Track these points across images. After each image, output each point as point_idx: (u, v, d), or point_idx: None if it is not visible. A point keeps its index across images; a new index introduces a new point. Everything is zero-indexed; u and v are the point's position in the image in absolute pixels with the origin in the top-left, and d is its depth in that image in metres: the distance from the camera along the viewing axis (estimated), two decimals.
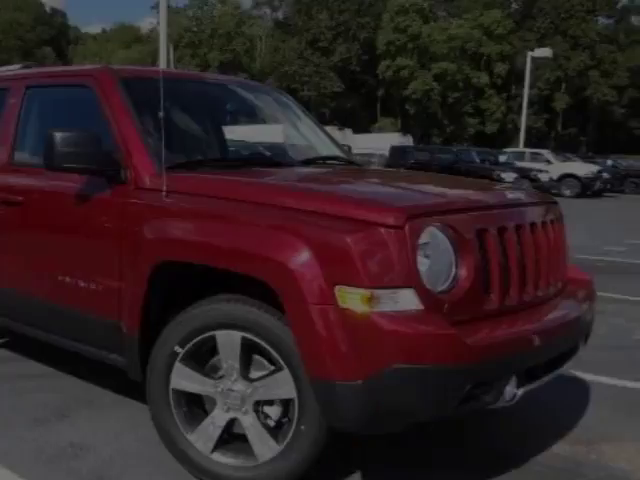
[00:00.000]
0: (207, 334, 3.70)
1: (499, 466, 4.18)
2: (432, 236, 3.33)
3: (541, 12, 76.64)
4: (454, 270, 3.38)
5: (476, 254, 3.43)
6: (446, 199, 3.82)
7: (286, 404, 3.60)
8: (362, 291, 3.14)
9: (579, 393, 5.38)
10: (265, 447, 3.60)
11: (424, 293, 3.21)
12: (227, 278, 3.73)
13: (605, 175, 36.23)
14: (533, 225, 3.94)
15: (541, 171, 34.10)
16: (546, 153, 38.74)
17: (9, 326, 5.35)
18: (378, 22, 76.94)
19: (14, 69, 5.92)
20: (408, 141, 46.99)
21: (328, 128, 10.51)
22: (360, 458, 4.24)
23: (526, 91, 48.09)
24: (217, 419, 3.75)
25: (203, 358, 3.82)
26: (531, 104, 61.07)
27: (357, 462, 4.18)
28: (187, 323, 3.76)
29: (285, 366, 3.46)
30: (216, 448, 3.76)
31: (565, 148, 58.39)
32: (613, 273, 11.19)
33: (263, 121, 6.29)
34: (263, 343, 3.52)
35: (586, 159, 42.67)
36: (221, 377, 3.73)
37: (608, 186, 36.26)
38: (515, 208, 3.98)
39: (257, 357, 3.66)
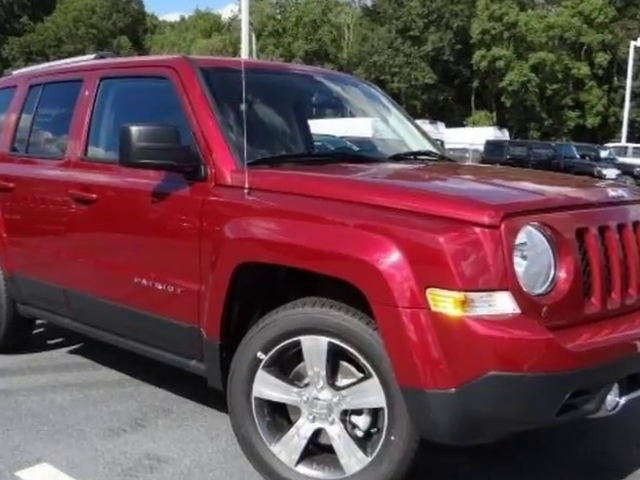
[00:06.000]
0: (292, 339, 3.90)
1: (599, 478, 4.36)
2: (529, 236, 3.49)
3: None
4: (553, 272, 3.52)
5: (576, 255, 3.57)
6: (544, 197, 3.93)
7: (375, 413, 3.79)
8: (455, 294, 3.31)
9: None
10: (353, 459, 3.80)
11: (521, 296, 3.36)
12: (311, 280, 3.96)
13: None
14: (637, 224, 4.05)
15: None
16: None
17: (81, 330, 5.63)
18: (472, 10, 76.71)
19: (88, 59, 6.24)
20: (504, 135, 47.70)
21: (419, 122, 10.70)
22: (447, 465, 4.45)
23: (629, 82, 48.40)
24: (302, 429, 3.96)
25: (287, 365, 4.03)
26: (634, 96, 60.84)
27: (445, 468, 4.40)
28: (270, 328, 3.96)
29: (374, 373, 3.65)
30: (301, 460, 3.97)
31: None
32: None
33: (351, 114, 6.44)
34: (351, 349, 3.71)
35: None
36: (306, 385, 3.95)
37: None
38: (617, 206, 4.09)
39: (344, 364, 3.86)
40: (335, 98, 6.34)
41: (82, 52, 56.21)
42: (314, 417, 3.92)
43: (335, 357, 3.83)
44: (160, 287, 4.68)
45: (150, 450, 4.64)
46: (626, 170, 33.10)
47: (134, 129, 4.35)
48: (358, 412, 3.85)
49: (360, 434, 3.86)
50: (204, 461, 4.50)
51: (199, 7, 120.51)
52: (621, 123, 54.66)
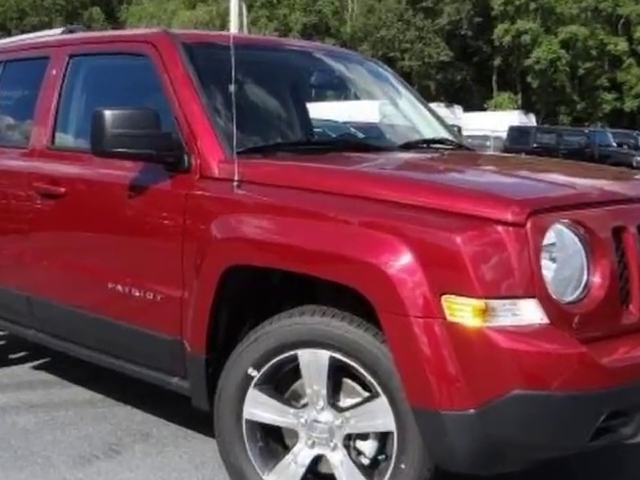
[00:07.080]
0: (288, 354, 3.89)
1: None
2: (559, 235, 3.47)
3: None
4: (586, 276, 3.50)
5: (612, 257, 3.55)
6: (576, 191, 3.93)
7: (383, 438, 3.78)
8: (475, 302, 3.29)
9: None
10: None
11: (549, 304, 3.34)
12: (309, 286, 3.96)
13: None
14: None
15: None
16: None
17: (48, 343, 5.59)
18: None
19: (55, 34, 6.23)
20: (530, 121, 47.41)
21: (433, 105, 10.69)
22: None
23: None
24: (300, 456, 3.95)
25: (283, 383, 4.02)
26: None
27: None
28: (263, 341, 3.94)
29: (382, 392, 3.64)
30: None
31: None
32: None
33: (355, 97, 6.45)
34: (355, 364, 3.70)
35: None
36: (304, 406, 3.94)
37: None
38: None
39: (348, 381, 3.85)
40: (337, 78, 6.31)
41: (48, 26, 56.15)
42: (313, 442, 3.90)
43: (337, 374, 3.82)
44: (137, 294, 4.65)
45: None
46: None
47: (108, 114, 4.32)
48: (363, 437, 3.84)
49: (366, 461, 3.85)
50: None
51: None
52: None
